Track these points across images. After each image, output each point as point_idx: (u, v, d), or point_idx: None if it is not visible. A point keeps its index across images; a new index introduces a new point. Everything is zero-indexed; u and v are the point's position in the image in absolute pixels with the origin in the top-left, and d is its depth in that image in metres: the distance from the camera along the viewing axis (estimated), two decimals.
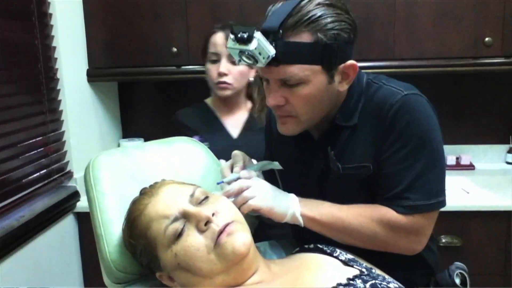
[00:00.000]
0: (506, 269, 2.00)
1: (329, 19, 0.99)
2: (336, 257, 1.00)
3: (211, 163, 1.23)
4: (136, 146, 1.22)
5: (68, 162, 2.17)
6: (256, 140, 1.60)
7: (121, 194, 1.07)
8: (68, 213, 2.12)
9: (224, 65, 1.76)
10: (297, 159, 1.22)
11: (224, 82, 1.76)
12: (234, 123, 1.86)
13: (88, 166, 1.10)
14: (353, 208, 1.08)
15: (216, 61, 1.78)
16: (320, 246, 1.05)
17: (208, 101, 1.94)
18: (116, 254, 1.00)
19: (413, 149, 1.05)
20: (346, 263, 0.97)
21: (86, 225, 2.14)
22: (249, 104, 1.91)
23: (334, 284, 0.85)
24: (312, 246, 1.07)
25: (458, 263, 1.19)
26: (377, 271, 0.96)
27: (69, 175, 2.17)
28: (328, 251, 1.02)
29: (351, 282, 0.86)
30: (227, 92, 1.79)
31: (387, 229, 1.05)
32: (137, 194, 1.03)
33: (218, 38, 1.77)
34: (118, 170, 1.10)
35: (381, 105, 1.07)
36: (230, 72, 1.76)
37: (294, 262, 1.00)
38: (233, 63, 1.74)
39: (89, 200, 1.06)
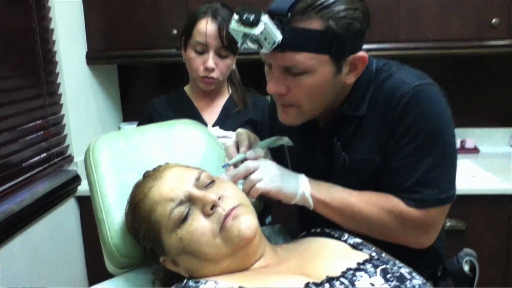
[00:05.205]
0: (509, 252, 1.99)
1: (342, 6, 0.93)
2: (345, 241, 0.97)
3: (213, 146, 1.20)
4: (136, 129, 1.19)
5: (68, 145, 2.14)
6: (230, 125, 1.55)
7: (122, 178, 1.04)
8: (69, 197, 2.10)
9: (212, 60, 1.60)
10: (300, 148, 1.18)
11: (211, 78, 1.63)
12: (211, 110, 1.76)
13: (88, 149, 1.07)
14: (365, 195, 1.04)
15: (202, 52, 1.62)
16: (327, 230, 1.02)
17: (186, 88, 1.82)
18: (118, 238, 0.98)
19: (424, 142, 1.00)
20: (354, 247, 0.94)
21: (88, 209, 2.12)
22: (230, 89, 1.80)
23: (344, 269, 0.82)
24: (319, 230, 1.04)
25: (467, 250, 1.17)
26: (387, 255, 0.94)
27: (70, 159, 2.14)
28: (336, 235, 1.00)
29: (361, 266, 0.84)
30: (212, 87, 1.68)
31: (397, 220, 1.02)
32: (138, 177, 1.01)
33: (209, 27, 1.59)
34: (118, 153, 1.08)
35: (391, 96, 1.03)
36: (217, 67, 1.62)
37: (301, 246, 0.98)
38: (220, 56, 1.62)
39: (90, 184, 1.04)
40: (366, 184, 1.07)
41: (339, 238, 0.98)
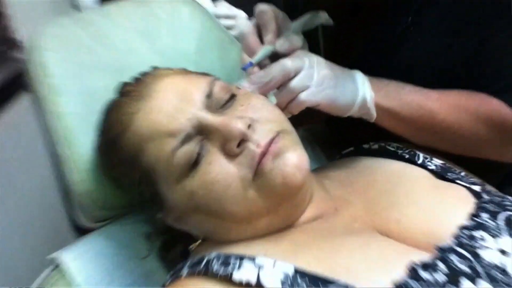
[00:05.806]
0: None
1: None
2: (423, 166, 0.66)
3: (212, 28, 0.83)
4: (98, 12, 0.82)
5: (14, 29, 1.72)
6: None
7: (87, 84, 0.70)
8: (22, 91, 1.73)
9: None
10: (343, 33, 0.82)
11: None
12: None
13: (30, 48, 0.70)
14: (449, 96, 0.71)
15: None
16: (391, 148, 0.71)
17: None
18: (91, 183, 0.66)
19: None
20: (441, 176, 0.64)
21: None
22: None
23: (453, 229, 0.53)
24: (376, 146, 0.73)
25: None
26: (491, 188, 0.64)
27: (17, 44, 1.74)
28: (406, 155, 0.68)
29: (477, 219, 0.54)
30: None
31: (496, 130, 0.71)
32: (111, 83, 0.66)
33: None
34: (77, 49, 0.71)
35: None
36: None
37: (359, 176, 0.67)
38: None
39: (39, 101, 0.69)
40: (445, 85, 0.73)
41: (412, 161, 0.67)
